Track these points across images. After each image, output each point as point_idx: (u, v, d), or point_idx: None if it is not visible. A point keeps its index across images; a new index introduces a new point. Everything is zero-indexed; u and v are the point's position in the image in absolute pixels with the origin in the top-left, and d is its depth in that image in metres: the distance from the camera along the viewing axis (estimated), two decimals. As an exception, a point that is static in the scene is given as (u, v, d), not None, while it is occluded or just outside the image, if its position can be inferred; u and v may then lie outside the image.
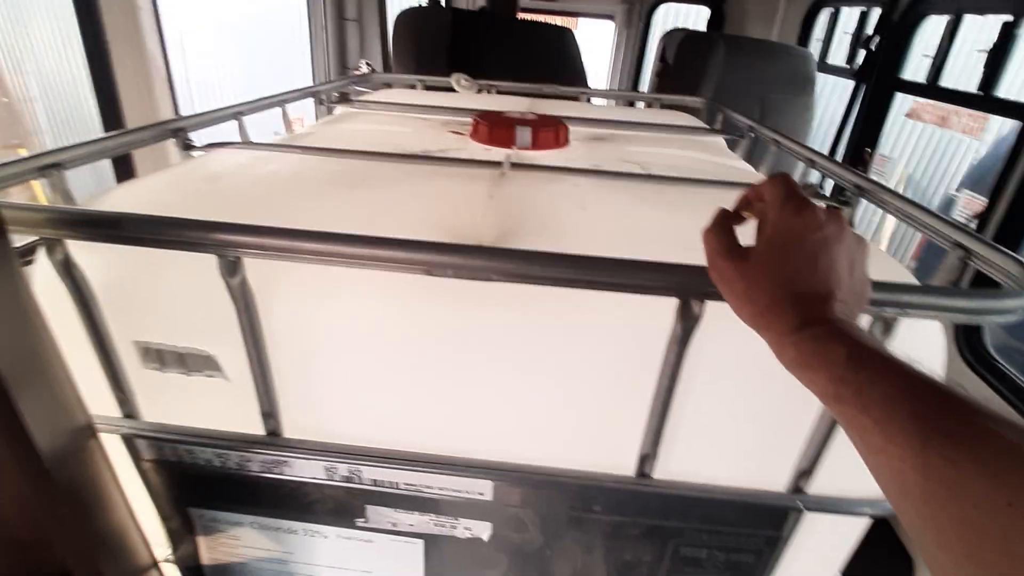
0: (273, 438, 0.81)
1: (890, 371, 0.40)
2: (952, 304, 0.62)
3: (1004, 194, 1.71)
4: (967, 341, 1.84)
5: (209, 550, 0.96)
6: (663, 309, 0.66)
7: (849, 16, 2.83)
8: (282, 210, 0.89)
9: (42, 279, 0.71)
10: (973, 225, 1.82)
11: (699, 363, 0.70)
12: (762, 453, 0.78)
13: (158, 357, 0.78)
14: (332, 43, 3.95)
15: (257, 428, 0.81)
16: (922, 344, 0.72)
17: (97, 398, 0.79)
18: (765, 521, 0.80)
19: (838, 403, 0.42)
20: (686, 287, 0.63)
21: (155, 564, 0.95)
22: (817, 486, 0.78)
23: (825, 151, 2.66)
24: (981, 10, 2.01)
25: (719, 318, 0.64)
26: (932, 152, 3.86)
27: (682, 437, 0.76)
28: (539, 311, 0.72)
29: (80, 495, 0.78)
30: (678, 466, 0.79)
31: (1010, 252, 0.73)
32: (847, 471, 0.78)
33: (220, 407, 0.81)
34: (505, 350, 0.74)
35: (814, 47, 3.17)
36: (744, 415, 0.75)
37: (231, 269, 0.67)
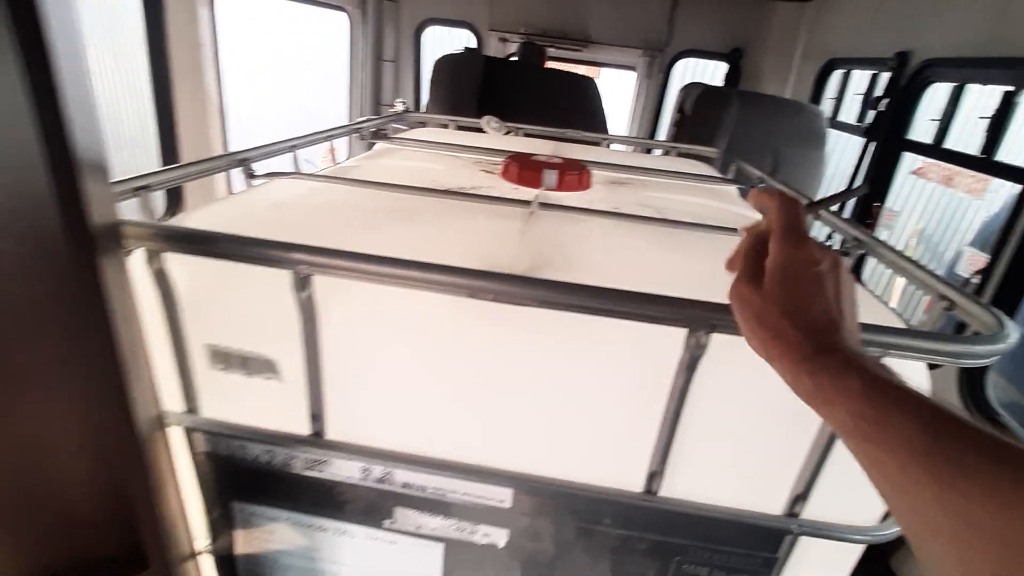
0: (317, 438, 0.90)
1: (907, 405, 0.39)
2: (931, 347, 0.71)
3: (1005, 252, 1.79)
4: (971, 393, 1.89)
5: (244, 543, 1.04)
6: (673, 340, 0.75)
7: (860, 78, 2.98)
8: (337, 236, 1.00)
9: (137, 283, 0.82)
10: (976, 279, 1.90)
11: (704, 390, 0.78)
12: (760, 477, 0.85)
13: (224, 359, 0.89)
14: (369, 81, 4.20)
15: (304, 429, 0.90)
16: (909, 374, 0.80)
17: (166, 392, 0.89)
18: (762, 543, 0.87)
19: (856, 438, 0.41)
20: (694, 319, 0.72)
21: (194, 555, 1.03)
22: (811, 511, 0.85)
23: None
24: (984, 80, 2.13)
25: (724, 350, 0.73)
26: (936, 209, 4.04)
27: (687, 458, 0.84)
28: (563, 336, 0.82)
29: (143, 481, 0.87)
30: (683, 485, 0.86)
31: (986, 304, 0.82)
32: (841, 498, 0.85)
33: (272, 408, 0.91)
34: (530, 370, 0.84)
35: (827, 104, 3.32)
36: (744, 440, 0.83)
37: (302, 284, 0.78)
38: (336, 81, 4.17)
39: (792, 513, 0.85)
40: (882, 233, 2.71)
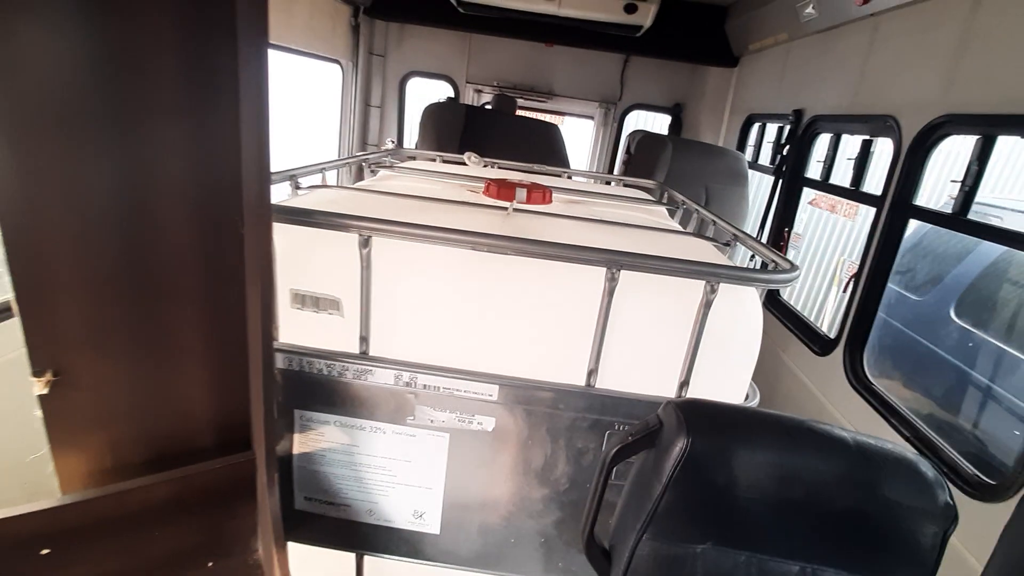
0: (364, 355, 1.32)
1: None
2: (757, 276, 1.20)
3: (867, 259, 2.36)
4: (852, 368, 2.41)
5: (300, 444, 1.42)
6: (598, 275, 1.22)
7: (771, 129, 3.66)
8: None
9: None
10: (850, 280, 2.46)
11: (619, 310, 1.25)
12: (657, 370, 1.31)
13: (302, 300, 1.31)
14: (357, 124, 4.72)
15: (354, 348, 1.32)
16: (744, 306, 1.29)
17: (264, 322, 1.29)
18: None
19: None
20: (610, 261, 1.20)
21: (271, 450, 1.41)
22: (691, 393, 1.31)
23: (755, 230, 3.36)
24: (850, 131, 2.78)
25: (631, 282, 1.21)
26: (826, 229, 4.98)
27: (611, 359, 1.30)
28: (529, 277, 1.28)
29: (244, 387, 1.26)
30: (609, 379, 1.31)
31: (787, 259, 1.33)
32: (712, 386, 1.31)
33: (332, 335, 1.33)
34: (509, 301, 1.29)
35: (748, 151, 3.99)
36: (646, 345, 1.29)
37: (364, 243, 1.22)
38: (327, 123, 4.67)
39: (679, 395, 1.31)
40: (790, 252, 3.31)
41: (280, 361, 1.34)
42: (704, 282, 1.20)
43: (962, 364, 3.79)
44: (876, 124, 2.42)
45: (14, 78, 0.85)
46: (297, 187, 1.75)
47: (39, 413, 1.13)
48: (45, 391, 1.08)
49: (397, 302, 1.30)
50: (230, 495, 1.29)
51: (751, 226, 3.74)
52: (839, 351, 2.48)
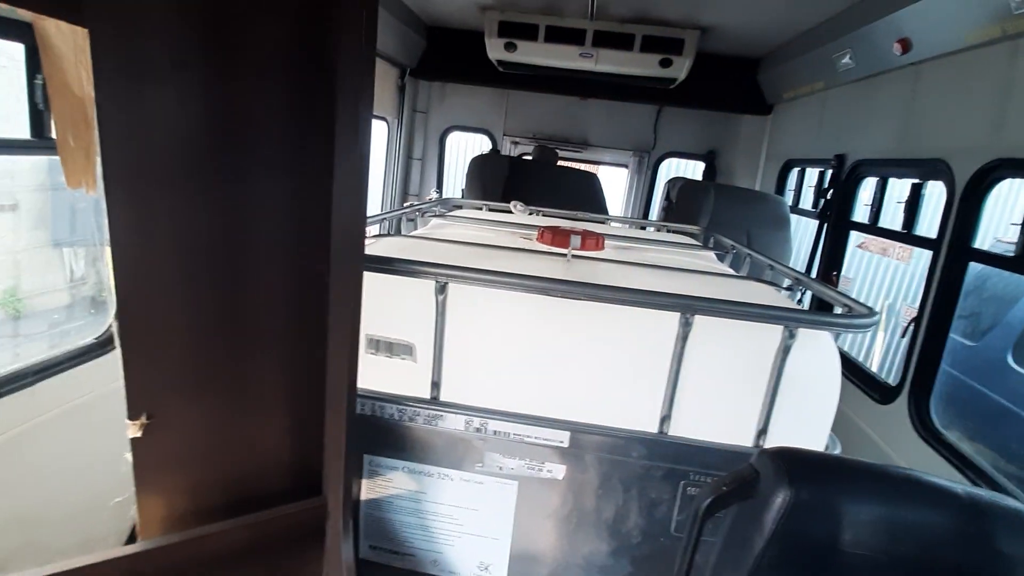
0: (435, 400, 1.33)
1: None
2: (824, 320, 1.19)
3: (927, 303, 2.30)
4: (919, 418, 2.31)
5: (368, 490, 1.42)
6: (671, 321, 1.22)
7: (811, 172, 3.67)
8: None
9: None
10: (911, 324, 2.39)
11: (693, 356, 1.24)
12: (734, 418, 1.28)
13: (376, 345, 1.34)
14: (400, 175, 4.92)
15: (426, 394, 1.34)
16: (821, 351, 1.27)
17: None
18: (738, 466, 1.28)
19: None
20: (683, 306, 1.20)
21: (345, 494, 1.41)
22: (771, 442, 1.27)
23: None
24: (897, 175, 2.77)
25: (705, 328, 1.21)
26: (877, 272, 4.87)
27: (685, 406, 1.28)
28: (600, 322, 1.29)
29: (324, 434, 1.28)
30: (683, 426, 1.29)
31: (863, 303, 1.31)
32: (790, 433, 1.27)
33: (404, 379, 1.35)
34: (580, 346, 1.30)
35: (788, 195, 3.99)
36: (721, 392, 1.28)
37: (441, 289, 1.26)
38: (372, 174, 4.88)
39: (757, 444, 1.28)
40: (839, 295, 3.24)
41: (356, 406, 1.36)
42: (782, 327, 1.20)
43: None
44: (926, 168, 2.41)
45: (137, 138, 0.94)
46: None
47: (128, 456, 1.17)
48: (139, 434, 1.12)
49: (468, 348, 1.33)
50: (301, 541, 1.29)
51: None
52: (903, 399, 2.38)
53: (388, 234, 1.90)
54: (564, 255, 1.75)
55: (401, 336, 1.33)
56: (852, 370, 2.85)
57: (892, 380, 2.58)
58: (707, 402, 1.28)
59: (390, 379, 1.36)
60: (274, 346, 1.19)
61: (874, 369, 3.10)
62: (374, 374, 1.36)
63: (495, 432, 1.32)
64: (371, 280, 1.30)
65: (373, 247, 1.72)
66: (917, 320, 2.38)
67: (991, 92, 2.04)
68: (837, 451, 1.30)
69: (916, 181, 2.57)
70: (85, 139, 0.91)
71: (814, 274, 3.37)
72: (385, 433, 1.36)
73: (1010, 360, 3.91)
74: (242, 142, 1.04)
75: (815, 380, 1.27)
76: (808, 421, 1.28)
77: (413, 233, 2.12)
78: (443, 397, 1.34)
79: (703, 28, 3.59)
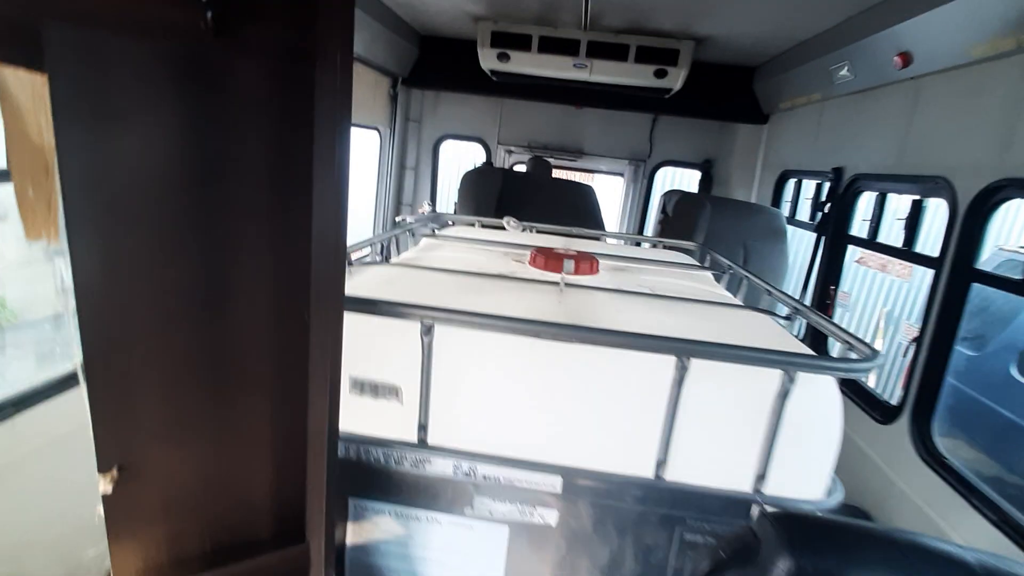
0: (422, 443, 1.28)
1: None
2: (831, 365, 1.14)
3: (928, 322, 2.26)
4: (921, 440, 2.27)
5: (353, 534, 1.37)
6: (666, 364, 1.18)
7: (808, 185, 3.63)
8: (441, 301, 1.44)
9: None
10: (911, 343, 2.35)
11: (689, 400, 1.20)
12: (731, 463, 1.23)
13: (360, 386, 1.29)
14: (393, 184, 4.87)
15: (412, 437, 1.29)
16: (821, 394, 1.22)
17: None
18: (738, 512, 1.23)
19: None
20: (679, 349, 1.15)
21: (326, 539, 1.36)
22: (769, 488, 1.23)
23: (798, 288, 3.28)
24: (897, 191, 2.73)
25: (701, 371, 1.16)
26: (876, 289, 4.84)
27: (681, 450, 1.23)
28: (592, 365, 1.24)
29: (306, 478, 1.23)
30: (680, 471, 1.24)
31: (864, 340, 1.26)
32: (791, 478, 1.23)
33: (389, 422, 1.30)
34: (571, 389, 1.25)
35: (785, 206, 3.95)
36: (718, 436, 1.23)
37: (427, 331, 1.21)
38: (366, 183, 4.83)
39: (756, 489, 1.23)
40: (837, 310, 3.20)
41: (339, 449, 1.31)
42: (781, 371, 1.15)
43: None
44: (927, 185, 2.37)
45: (102, 183, 0.88)
46: (350, 263, 1.77)
47: (100, 510, 1.11)
48: (109, 489, 1.07)
49: (456, 389, 1.28)
50: (283, 591, 1.24)
51: (792, 282, 3.66)
52: (904, 420, 2.34)
53: (376, 261, 1.85)
54: (557, 283, 1.70)
55: (386, 377, 1.28)
56: (852, 388, 2.81)
57: (892, 396, 2.54)
58: (704, 446, 1.24)
59: (376, 421, 1.31)
60: (253, 390, 1.14)
61: (871, 377, 3.06)
62: (359, 416, 1.31)
63: (484, 476, 1.27)
64: (355, 320, 1.25)
65: (359, 276, 1.67)
66: (919, 339, 2.34)
67: (999, 108, 2.00)
68: (839, 495, 1.25)
69: (916, 198, 2.54)
70: (46, 188, 0.85)
71: (811, 287, 3.33)
72: (371, 476, 1.31)
73: (1014, 372, 3.88)
74: (215, 181, 0.99)
75: (815, 423, 1.22)
76: (809, 465, 1.24)
77: (402, 257, 2.07)
78: (431, 440, 1.29)
79: (698, 39, 3.55)
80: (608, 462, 1.25)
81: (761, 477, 1.22)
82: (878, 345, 6.20)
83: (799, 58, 3.42)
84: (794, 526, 0.84)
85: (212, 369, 1.10)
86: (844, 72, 2.95)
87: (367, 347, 1.28)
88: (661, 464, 1.23)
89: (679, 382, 1.17)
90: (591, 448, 1.26)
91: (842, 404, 1.24)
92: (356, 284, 1.54)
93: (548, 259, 1.95)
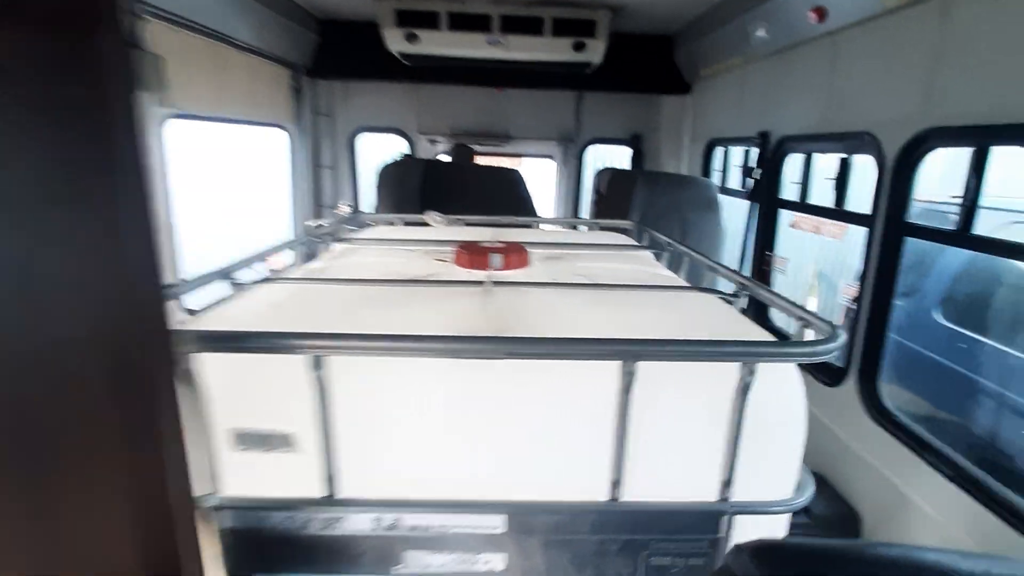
0: (332, 498, 1.05)
1: None
2: (792, 351, 1.00)
3: (866, 281, 2.23)
4: (870, 400, 2.24)
5: None
6: (610, 371, 1.00)
7: (737, 151, 3.60)
8: (333, 326, 1.20)
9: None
10: (852, 304, 2.32)
11: (640, 407, 1.02)
12: (694, 471, 1.08)
13: (244, 440, 1.04)
14: (309, 187, 4.49)
15: (319, 492, 1.05)
16: (783, 381, 1.08)
17: (194, 477, 1.02)
18: (705, 525, 1.08)
19: None
20: (623, 353, 0.98)
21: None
22: (738, 493, 1.08)
23: (736, 256, 3.20)
24: (824, 150, 2.70)
25: (650, 374, 0.99)
26: (813, 253, 4.96)
27: (638, 465, 1.06)
28: (526, 381, 1.05)
29: (175, 564, 0.97)
30: (638, 489, 1.07)
31: (826, 319, 1.14)
32: (758, 479, 1.09)
33: (290, 477, 1.06)
34: (505, 412, 1.05)
35: (715, 176, 3.92)
36: (677, 443, 1.07)
37: (316, 365, 0.97)
38: (279, 187, 4.42)
39: (723, 497, 1.08)
40: (777, 276, 3.18)
41: (227, 519, 1.06)
42: (740, 363, 1.00)
43: (958, 367, 3.71)
44: (853, 141, 2.33)
45: None
46: (235, 283, 1.48)
47: None
48: None
49: (367, 428, 1.05)
50: None
51: (727, 253, 3.62)
52: (851, 382, 2.31)
53: (268, 279, 1.57)
54: (482, 282, 1.50)
55: (276, 425, 1.03)
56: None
57: (837, 359, 2.51)
58: (661, 457, 1.07)
59: (271, 480, 1.06)
60: (85, 464, 0.87)
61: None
62: (250, 476, 1.06)
63: (413, 527, 1.06)
64: (227, 360, 1.00)
65: (245, 300, 1.40)
66: (858, 299, 2.31)
67: (920, 58, 1.95)
68: (811, 487, 1.13)
69: (843, 156, 2.50)
70: None
71: (749, 256, 3.30)
72: (274, 547, 1.07)
73: (937, 316, 4.04)
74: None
75: (781, 413, 1.09)
76: (777, 461, 1.11)
77: (305, 269, 1.79)
78: (341, 493, 1.06)
79: (613, 7, 3.41)
80: (557, 490, 1.07)
81: (727, 483, 1.08)
82: (811, 305, 6.40)
83: (716, 21, 3.35)
84: (771, 558, 0.68)
85: (18, 444, 0.82)
86: (761, 32, 2.88)
87: (246, 391, 1.03)
88: (616, 484, 1.06)
89: (626, 389, 1.00)
90: (535, 476, 1.07)
91: (804, 388, 1.11)
92: (237, 311, 1.27)
93: (473, 255, 1.74)
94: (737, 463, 1.06)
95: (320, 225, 2.29)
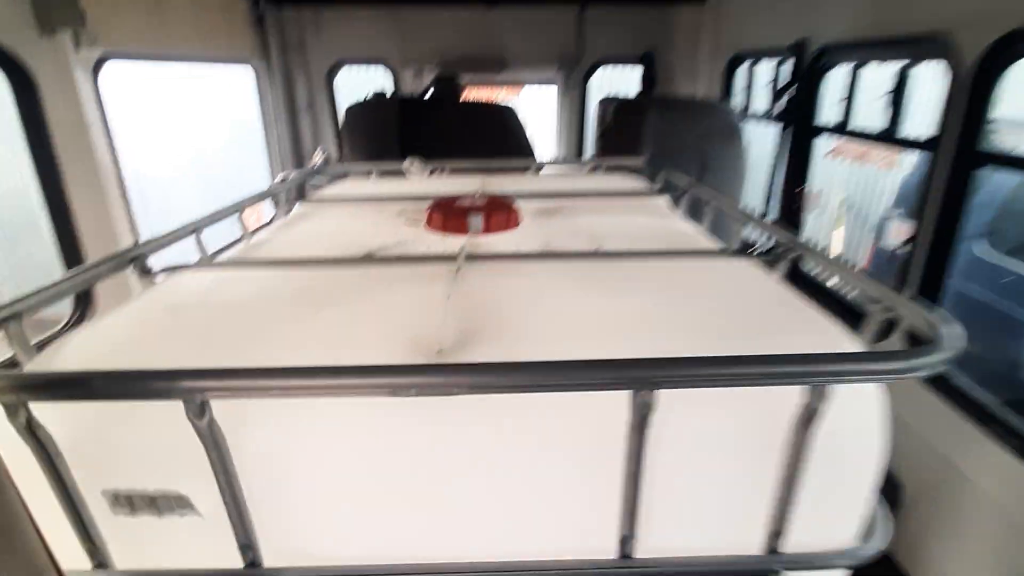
0: (253, 570, 0.80)
1: None
2: (880, 368, 0.68)
3: (925, 220, 1.86)
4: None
5: None
6: (619, 402, 0.70)
7: (765, 68, 3.10)
8: (247, 339, 0.90)
9: (3, 439, 0.70)
10: (905, 248, 1.96)
11: (661, 445, 0.73)
12: (733, 519, 0.80)
13: (128, 503, 0.77)
14: (287, 132, 4.07)
15: (236, 562, 0.80)
16: (857, 398, 0.78)
17: (68, 551, 0.76)
18: None
19: None
20: (636, 380, 0.67)
21: None
22: (790, 544, 0.81)
23: (760, 192, 2.79)
24: (880, 58, 2.23)
25: (673, 403, 0.69)
26: (857, 185, 4.40)
27: (658, 515, 0.79)
28: (502, 415, 0.75)
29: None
30: (659, 543, 0.80)
31: (926, 302, 0.81)
32: (816, 525, 0.81)
33: (196, 545, 0.80)
34: (471, 456, 0.77)
35: (737, 98, 3.43)
36: (710, 486, 0.78)
37: (198, 412, 0.68)
38: (253, 134, 4.02)
39: (771, 549, 0.81)
40: (810, 216, 2.79)
41: (120, 597, 0.82)
42: (808, 387, 0.69)
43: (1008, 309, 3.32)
44: (920, 47, 1.88)
45: None
46: (144, 271, 1.18)
47: None
48: None
49: (288, 481, 0.78)
50: None
51: (751, 187, 3.21)
52: (896, 337, 2.00)
53: (194, 264, 1.26)
54: (454, 258, 1.18)
55: (163, 484, 0.76)
56: (827, 297, 2.44)
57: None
58: (687, 501, 0.79)
59: (176, 548, 0.81)
60: None
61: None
62: (147, 543, 0.80)
63: None
64: (80, 407, 0.72)
65: (153, 294, 1.10)
66: (914, 239, 1.96)
67: None
68: (882, 531, 0.85)
69: (903, 65, 2.05)
70: None
71: (776, 191, 2.90)
72: None
73: (978, 252, 3.61)
74: None
75: (852, 441, 0.79)
76: (843, 500, 0.82)
77: (233, 250, 1.45)
78: (267, 562, 0.80)
79: None
80: (551, 546, 0.81)
81: (777, 534, 0.80)
82: (837, 237, 5.91)
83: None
84: None
85: None
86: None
87: (119, 444, 0.75)
88: (628, 539, 0.79)
89: (639, 425, 0.70)
90: (517, 531, 0.80)
91: (888, 406, 0.81)
92: (115, 326, 0.97)
93: (448, 217, 1.41)
94: (790, 508, 0.78)
95: (283, 180, 1.96)
